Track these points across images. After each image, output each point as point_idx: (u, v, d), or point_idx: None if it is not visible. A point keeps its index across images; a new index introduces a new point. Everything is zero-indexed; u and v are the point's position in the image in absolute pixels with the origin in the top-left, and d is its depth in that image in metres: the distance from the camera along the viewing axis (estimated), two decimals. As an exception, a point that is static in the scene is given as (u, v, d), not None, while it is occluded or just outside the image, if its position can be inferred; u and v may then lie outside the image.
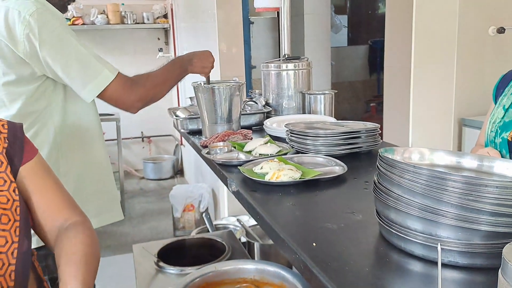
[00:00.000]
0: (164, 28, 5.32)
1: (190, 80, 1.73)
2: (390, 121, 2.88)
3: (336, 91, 1.90)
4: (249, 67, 3.91)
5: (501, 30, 2.56)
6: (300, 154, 1.34)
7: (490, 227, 0.68)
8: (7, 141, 0.89)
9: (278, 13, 2.00)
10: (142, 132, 5.56)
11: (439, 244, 0.41)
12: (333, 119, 1.69)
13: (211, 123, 1.63)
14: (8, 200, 0.84)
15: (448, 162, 0.89)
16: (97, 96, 1.26)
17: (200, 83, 1.62)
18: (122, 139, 4.57)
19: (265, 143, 1.42)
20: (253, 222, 2.06)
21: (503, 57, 2.64)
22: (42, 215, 0.93)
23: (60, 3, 1.36)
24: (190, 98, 2.06)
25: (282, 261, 1.40)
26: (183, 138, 3.62)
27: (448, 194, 0.69)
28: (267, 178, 1.12)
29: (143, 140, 5.64)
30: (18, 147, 0.91)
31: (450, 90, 2.65)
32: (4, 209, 0.83)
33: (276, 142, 1.46)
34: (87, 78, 1.23)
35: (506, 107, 1.28)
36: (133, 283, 1.38)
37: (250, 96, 2.10)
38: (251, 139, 1.57)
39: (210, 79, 1.68)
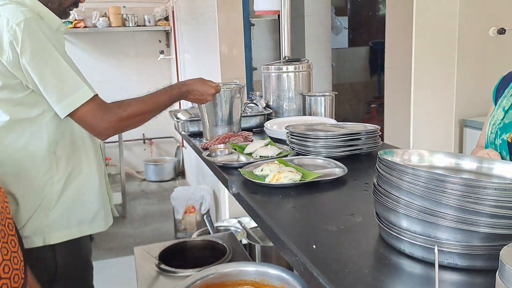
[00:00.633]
0: (165, 30, 5.33)
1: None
2: (391, 122, 2.88)
3: (337, 93, 1.90)
4: (250, 69, 3.91)
5: (501, 31, 2.56)
6: (300, 156, 1.34)
7: (489, 229, 0.68)
8: None
9: (278, 15, 2.00)
10: (143, 134, 5.57)
11: (436, 246, 0.41)
12: (333, 121, 1.69)
13: (211, 125, 1.63)
14: None
15: (448, 164, 0.89)
16: (68, 115, 1.22)
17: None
18: (124, 141, 4.59)
19: (266, 145, 1.42)
20: (254, 224, 2.06)
21: (504, 58, 2.64)
22: None
23: (59, 8, 1.35)
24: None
25: (284, 263, 1.40)
26: (184, 140, 3.63)
27: (447, 196, 0.69)
28: (267, 180, 1.12)
29: (144, 142, 5.64)
30: None
31: (451, 91, 2.65)
32: None
33: (277, 144, 1.46)
34: (62, 93, 1.20)
35: (506, 108, 1.28)
36: (134, 285, 1.39)
37: (251, 98, 2.10)
38: (252, 141, 1.58)
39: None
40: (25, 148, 1.26)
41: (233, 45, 3.19)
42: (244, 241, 1.74)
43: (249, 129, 1.78)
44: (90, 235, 1.49)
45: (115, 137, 4.34)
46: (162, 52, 5.32)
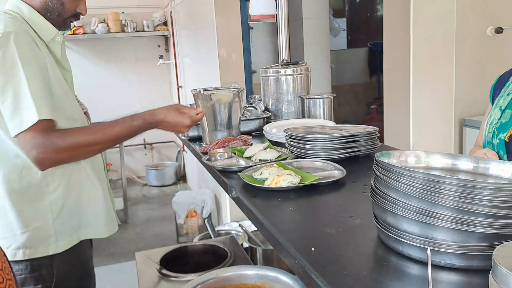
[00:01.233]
0: (164, 35, 5.35)
1: (190, 87, 1.74)
2: (391, 122, 2.88)
3: (335, 95, 1.91)
4: (249, 72, 3.93)
5: (499, 30, 2.57)
6: (299, 159, 1.35)
7: (485, 229, 0.68)
8: None
9: (277, 18, 2.01)
10: (144, 139, 5.58)
11: (428, 248, 0.42)
12: (332, 123, 1.70)
13: (211, 130, 1.64)
14: None
15: (444, 165, 0.90)
16: (16, 136, 1.17)
17: (200, 90, 1.63)
18: (125, 146, 4.60)
19: (265, 149, 1.43)
20: (255, 227, 2.05)
21: (502, 57, 2.64)
22: None
23: (59, 19, 1.35)
24: (190, 105, 2.07)
25: (285, 265, 1.40)
26: (184, 144, 3.63)
27: (444, 197, 0.70)
28: (266, 184, 1.12)
29: (145, 147, 5.65)
30: None
31: (449, 91, 2.65)
32: None
33: (276, 147, 1.47)
34: (15, 114, 1.16)
35: (502, 108, 1.28)
36: (136, 290, 1.39)
37: (250, 101, 2.11)
38: (251, 144, 1.58)
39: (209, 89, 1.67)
40: (20, 157, 1.26)
41: (232, 48, 3.20)
42: (246, 245, 1.75)
43: (248, 133, 1.79)
44: (91, 242, 1.49)
45: (116, 143, 4.36)
46: (161, 57, 5.33)
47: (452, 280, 0.70)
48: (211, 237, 1.88)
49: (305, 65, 1.96)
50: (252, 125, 1.85)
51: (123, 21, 5.15)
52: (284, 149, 1.46)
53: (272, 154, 1.39)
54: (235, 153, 1.45)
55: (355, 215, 0.95)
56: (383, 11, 2.80)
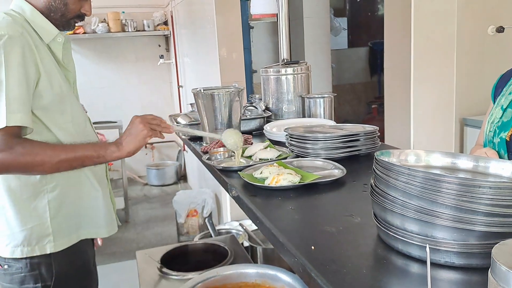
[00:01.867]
0: (164, 35, 5.35)
1: (190, 87, 1.74)
2: (392, 122, 2.88)
3: (335, 94, 1.91)
4: (250, 72, 3.92)
5: (500, 29, 2.57)
6: (299, 158, 1.35)
7: (485, 228, 0.68)
8: None
9: (277, 17, 2.01)
10: (145, 138, 5.58)
11: (427, 245, 0.42)
12: (332, 122, 1.70)
13: (211, 129, 1.64)
14: None
15: (444, 164, 0.90)
16: None
17: (200, 90, 1.64)
18: (126, 146, 4.59)
19: (265, 148, 1.43)
20: (255, 226, 2.05)
21: (503, 56, 2.64)
22: None
23: (62, 19, 1.35)
24: (190, 104, 2.07)
25: (285, 264, 1.41)
26: (185, 144, 3.63)
27: (443, 196, 0.70)
28: (266, 183, 1.13)
29: (146, 147, 5.65)
30: None
31: (450, 90, 2.65)
32: None
33: (276, 146, 1.47)
34: None
35: (504, 107, 1.28)
36: (137, 288, 1.40)
37: (250, 101, 2.11)
38: (251, 143, 1.59)
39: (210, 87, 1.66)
40: None
41: (232, 48, 3.20)
42: (246, 244, 1.75)
43: (248, 132, 1.79)
44: (93, 242, 1.49)
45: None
46: (161, 56, 5.34)
47: (451, 279, 0.70)
48: (211, 236, 1.88)
49: (306, 64, 1.96)
50: (252, 125, 1.86)
51: (124, 21, 5.15)
52: (285, 148, 1.46)
53: (272, 153, 1.39)
54: (235, 152, 1.46)
55: (355, 214, 0.95)
56: (383, 10, 2.80)
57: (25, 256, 1.30)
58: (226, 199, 3.18)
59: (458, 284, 0.70)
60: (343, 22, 5.46)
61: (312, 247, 0.81)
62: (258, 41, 4.44)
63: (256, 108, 1.95)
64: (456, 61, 2.57)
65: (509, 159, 1.19)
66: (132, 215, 4.46)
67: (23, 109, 1.19)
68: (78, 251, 1.39)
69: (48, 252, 1.31)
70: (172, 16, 4.99)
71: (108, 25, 5.05)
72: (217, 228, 1.95)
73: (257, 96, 2.12)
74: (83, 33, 4.96)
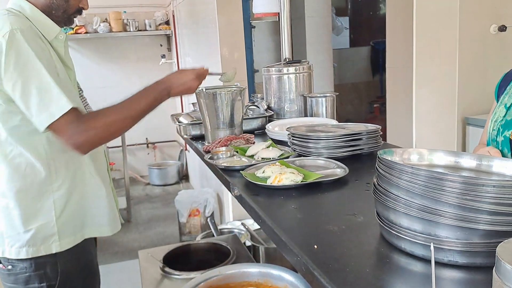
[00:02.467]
0: (166, 34, 5.35)
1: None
2: (394, 121, 2.88)
3: (338, 93, 1.91)
4: (251, 71, 3.92)
5: (502, 28, 2.56)
6: (301, 157, 1.35)
7: (488, 226, 0.68)
8: None
9: (279, 16, 2.01)
10: (146, 138, 5.59)
11: (432, 243, 0.42)
12: (334, 122, 1.70)
13: (213, 128, 1.64)
14: None
15: (447, 162, 0.90)
16: (47, 128, 1.19)
17: (202, 89, 1.63)
18: (127, 145, 4.60)
19: (267, 147, 1.43)
20: (257, 225, 2.05)
21: (505, 55, 2.63)
22: None
23: (64, 16, 1.36)
24: (192, 104, 2.07)
25: (287, 264, 1.41)
26: (187, 143, 3.63)
27: (446, 194, 0.70)
28: (269, 182, 1.12)
29: (148, 147, 5.66)
30: None
31: (453, 89, 2.64)
32: None
33: (278, 146, 1.47)
34: (41, 106, 1.17)
35: (508, 105, 1.28)
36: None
37: (252, 100, 2.11)
38: (254, 143, 1.58)
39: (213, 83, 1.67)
40: (23, 155, 1.27)
41: (234, 47, 3.20)
42: (248, 243, 1.75)
43: (250, 131, 1.79)
44: (95, 241, 1.50)
45: (118, 142, 4.37)
46: (163, 56, 5.34)
47: (455, 277, 0.70)
48: (213, 236, 1.88)
49: (308, 63, 1.96)
50: (254, 124, 1.85)
51: (125, 20, 5.16)
52: (287, 147, 1.46)
53: (274, 152, 1.39)
54: (237, 152, 1.46)
55: (357, 213, 0.95)
56: (385, 9, 2.79)
57: (30, 256, 1.29)
58: (228, 198, 3.18)
59: (461, 283, 0.69)
60: (345, 21, 5.45)
61: (315, 246, 0.81)
62: (259, 40, 4.44)
63: (258, 107, 1.95)
64: (458, 60, 2.57)
65: (512, 158, 1.18)
66: (134, 215, 4.47)
67: (70, 93, 1.22)
68: (83, 250, 1.39)
69: (53, 251, 1.31)
70: (173, 16, 4.99)
71: (109, 25, 5.05)
72: (219, 227, 1.95)
73: (259, 95, 2.11)
74: (84, 33, 4.96)
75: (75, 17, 1.41)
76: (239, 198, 1.16)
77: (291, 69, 1.90)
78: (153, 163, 5.54)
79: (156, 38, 5.48)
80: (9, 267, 1.31)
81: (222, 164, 1.35)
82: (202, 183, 4.42)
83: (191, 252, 1.54)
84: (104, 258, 3.28)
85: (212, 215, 3.56)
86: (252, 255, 1.57)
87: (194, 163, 4.86)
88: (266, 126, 1.73)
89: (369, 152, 1.39)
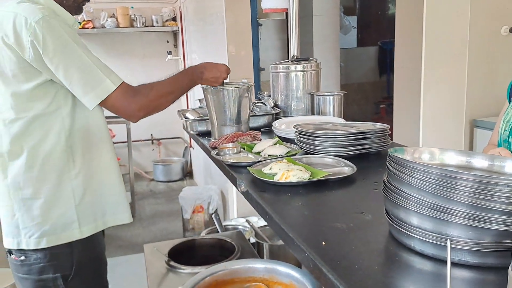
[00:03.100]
0: (173, 31, 5.35)
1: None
2: (400, 122, 2.86)
3: (345, 92, 1.90)
4: (257, 69, 3.91)
5: (513, 30, 2.53)
6: (308, 155, 1.34)
7: (501, 226, 0.67)
8: None
9: (286, 14, 2.00)
10: (151, 134, 5.60)
11: (448, 240, 0.41)
12: (342, 120, 1.69)
13: (220, 125, 1.63)
14: None
15: (459, 162, 0.89)
16: (99, 104, 1.27)
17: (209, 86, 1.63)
18: (132, 141, 4.61)
19: (274, 144, 1.42)
20: (262, 223, 2.06)
21: (515, 57, 2.61)
22: None
23: (74, 4, 1.38)
24: (199, 100, 2.07)
25: (292, 261, 1.40)
26: (192, 140, 3.62)
27: (459, 193, 0.69)
28: (276, 179, 1.12)
29: (152, 143, 5.67)
30: None
31: (461, 91, 2.62)
32: None
33: (285, 143, 1.46)
34: (87, 87, 1.24)
35: (518, 106, 1.27)
36: (144, 282, 1.39)
37: (259, 97, 2.10)
38: (260, 140, 1.58)
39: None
40: (42, 144, 1.28)
41: (241, 45, 3.19)
42: (252, 240, 1.75)
43: (257, 129, 1.78)
44: (103, 232, 1.50)
45: (123, 138, 4.37)
46: (169, 52, 5.34)
47: (465, 277, 0.69)
48: (218, 232, 1.87)
49: (315, 61, 1.95)
50: (261, 121, 1.85)
51: (132, 16, 5.16)
52: (293, 145, 1.46)
53: (281, 149, 1.38)
54: (244, 148, 1.45)
55: (365, 211, 0.94)
56: (394, 9, 2.77)
57: (51, 245, 1.30)
58: (233, 195, 3.18)
59: (472, 282, 0.69)
60: (352, 20, 5.43)
61: (323, 243, 0.80)
62: (265, 38, 4.42)
63: (265, 104, 1.95)
64: (467, 62, 2.55)
65: (523, 159, 1.17)
66: (139, 210, 4.48)
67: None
68: (96, 239, 1.39)
69: (74, 239, 1.32)
70: (180, 12, 4.99)
71: (117, 20, 5.06)
72: (223, 224, 1.95)
73: (265, 93, 2.11)
74: (91, 28, 4.97)
75: (83, 4, 1.43)
76: (245, 194, 1.16)
77: (299, 67, 1.90)
78: (158, 160, 5.55)
79: (163, 34, 5.48)
80: (22, 258, 1.31)
81: (229, 160, 1.34)
82: (206, 180, 4.42)
83: (196, 247, 1.54)
84: (109, 252, 3.27)
85: (216, 211, 3.56)
86: (256, 252, 1.57)
87: (198, 160, 4.86)
88: (273, 124, 1.72)
89: (377, 151, 1.38)
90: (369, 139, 1.36)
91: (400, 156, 0.86)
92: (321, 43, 4.03)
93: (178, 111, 1.97)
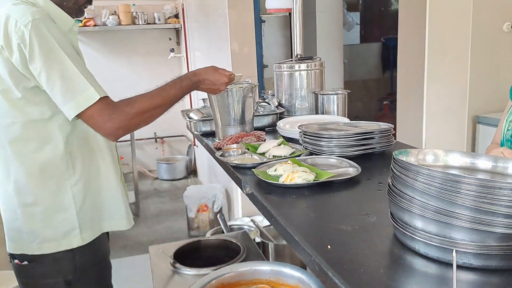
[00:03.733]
0: (175, 28, 5.34)
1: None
2: (404, 119, 2.86)
3: (349, 91, 1.90)
4: (261, 66, 3.91)
5: (516, 26, 2.53)
6: (313, 156, 1.35)
7: (505, 229, 0.68)
8: None
9: (290, 12, 2.00)
10: (155, 133, 5.61)
11: (454, 250, 0.42)
12: (346, 120, 1.69)
13: (224, 125, 1.64)
14: None
15: (463, 164, 0.89)
16: (77, 116, 1.19)
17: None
18: (136, 140, 4.62)
19: (279, 145, 1.43)
20: (267, 222, 2.06)
21: (518, 53, 2.60)
22: None
23: (75, 7, 1.35)
24: (203, 99, 2.07)
25: (297, 261, 1.41)
26: (196, 139, 3.65)
27: (463, 197, 0.69)
28: (281, 181, 1.13)
29: (156, 141, 5.68)
30: None
31: (464, 87, 2.62)
32: None
33: (290, 143, 1.47)
34: (68, 95, 1.17)
35: (522, 105, 1.27)
36: (150, 284, 1.40)
37: (263, 97, 2.11)
38: (265, 140, 1.58)
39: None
40: (40, 150, 1.27)
41: (244, 42, 3.19)
42: (258, 240, 1.75)
43: (261, 129, 1.79)
44: (108, 235, 1.51)
45: (126, 136, 4.36)
46: (172, 50, 5.33)
47: (470, 280, 0.70)
48: (223, 232, 1.88)
49: (319, 60, 1.95)
50: (265, 121, 1.85)
51: (134, 13, 5.16)
52: (298, 145, 1.46)
53: (286, 150, 1.39)
54: (248, 149, 1.46)
55: (370, 213, 0.95)
56: (397, 5, 2.77)
57: (52, 252, 1.30)
58: (238, 195, 3.19)
59: (476, 285, 0.69)
60: (355, 16, 5.42)
61: (329, 246, 0.81)
62: (269, 35, 4.42)
63: (269, 104, 1.95)
64: (470, 58, 2.54)
65: (526, 159, 1.17)
66: (143, 209, 4.50)
67: (96, 82, 1.23)
68: (99, 243, 1.39)
69: (75, 246, 1.31)
70: (183, 9, 4.98)
71: (118, 18, 5.05)
72: (228, 223, 1.96)
73: (269, 92, 2.11)
74: (93, 26, 4.97)
75: (85, 7, 1.40)
76: (250, 196, 1.16)
77: (303, 66, 1.90)
78: (162, 158, 5.56)
79: (165, 31, 5.47)
80: (25, 262, 1.31)
81: (234, 162, 1.35)
82: (211, 179, 4.43)
83: (201, 248, 1.55)
84: (113, 252, 3.28)
85: (220, 211, 3.57)
86: (261, 251, 1.58)
87: (202, 158, 4.87)
88: (277, 124, 1.72)
89: (381, 151, 1.39)
90: (373, 139, 1.36)
91: (404, 159, 0.87)
92: (325, 40, 4.03)
93: (182, 111, 1.98)
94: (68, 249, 1.31)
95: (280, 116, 1.89)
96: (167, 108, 1.33)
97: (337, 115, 1.82)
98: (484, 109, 2.70)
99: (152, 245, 1.68)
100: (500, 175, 0.85)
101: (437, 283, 0.71)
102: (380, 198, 1.03)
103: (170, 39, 5.54)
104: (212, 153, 1.60)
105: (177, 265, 1.41)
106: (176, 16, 5.34)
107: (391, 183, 0.83)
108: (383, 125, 1.43)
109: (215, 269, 1.32)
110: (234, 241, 1.52)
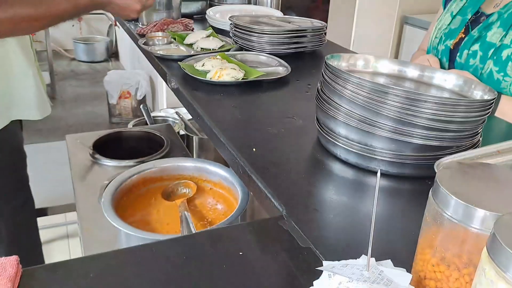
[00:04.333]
0: None
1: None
2: (336, 14, 2.83)
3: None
4: None
5: None
6: (243, 52, 1.29)
7: (422, 141, 0.71)
8: None
9: None
10: (71, 8, 5.08)
11: (379, 170, 0.42)
12: (279, 13, 1.62)
13: (148, 9, 1.49)
14: None
15: (391, 71, 0.90)
16: None
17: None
18: (49, 15, 4.16)
19: (208, 36, 1.35)
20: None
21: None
22: None
23: None
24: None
25: (221, 157, 1.42)
26: (116, 20, 3.35)
27: (388, 108, 0.70)
28: (208, 77, 1.07)
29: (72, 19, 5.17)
30: None
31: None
32: None
33: (219, 35, 1.39)
34: None
35: (454, 13, 1.27)
36: (67, 172, 1.35)
37: (192, -21, 1.93)
38: (193, 30, 1.49)
39: None
40: None
41: None
42: (182, 132, 1.73)
43: (189, 16, 1.66)
44: (21, 123, 1.40)
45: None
46: None
47: (385, 186, 0.74)
48: (146, 124, 1.83)
49: None
50: (193, 7, 1.72)
51: None
52: (228, 38, 1.39)
53: (215, 43, 1.31)
54: (175, 39, 1.36)
55: (296, 116, 0.95)
56: None
57: None
58: (162, 84, 3.07)
59: (390, 190, 0.74)
60: None
61: (254, 149, 0.81)
62: None
63: (199, -12, 1.80)
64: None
65: (449, 67, 1.21)
66: (59, 91, 4.23)
67: None
68: (10, 133, 1.29)
69: None
70: None
71: None
72: (152, 114, 1.90)
73: (199, -26, 1.93)
74: None
75: None
76: (176, 91, 1.11)
77: None
78: (79, 37, 5.12)
79: None
80: None
81: (159, 52, 1.26)
82: (134, 64, 4.20)
83: (123, 139, 1.50)
84: (27, 136, 3.13)
85: (144, 99, 3.46)
86: (185, 145, 1.57)
87: (124, 41, 4.55)
88: (207, 12, 1.61)
89: (312, 50, 1.36)
90: (306, 38, 1.32)
91: (335, 64, 0.85)
92: None
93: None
94: None
95: (210, 3, 1.76)
96: (53, 23, 1.13)
97: (270, 6, 1.73)
98: (413, 9, 2.74)
99: (70, 133, 1.59)
100: (425, 84, 0.87)
101: (355, 188, 0.75)
102: (308, 100, 1.02)
103: None
104: (135, 39, 1.48)
105: (97, 155, 1.36)
106: None
107: (320, 89, 0.82)
108: (316, 23, 1.39)
109: (138, 161, 1.30)
110: (157, 133, 1.48)
